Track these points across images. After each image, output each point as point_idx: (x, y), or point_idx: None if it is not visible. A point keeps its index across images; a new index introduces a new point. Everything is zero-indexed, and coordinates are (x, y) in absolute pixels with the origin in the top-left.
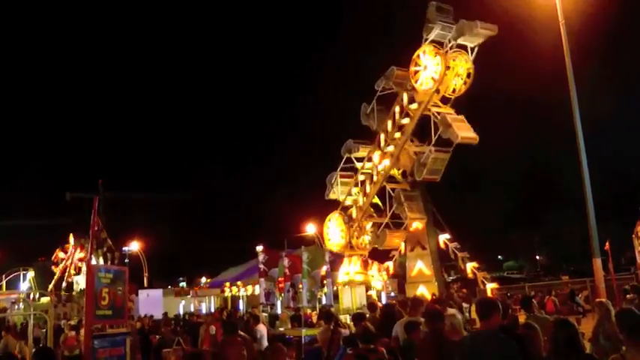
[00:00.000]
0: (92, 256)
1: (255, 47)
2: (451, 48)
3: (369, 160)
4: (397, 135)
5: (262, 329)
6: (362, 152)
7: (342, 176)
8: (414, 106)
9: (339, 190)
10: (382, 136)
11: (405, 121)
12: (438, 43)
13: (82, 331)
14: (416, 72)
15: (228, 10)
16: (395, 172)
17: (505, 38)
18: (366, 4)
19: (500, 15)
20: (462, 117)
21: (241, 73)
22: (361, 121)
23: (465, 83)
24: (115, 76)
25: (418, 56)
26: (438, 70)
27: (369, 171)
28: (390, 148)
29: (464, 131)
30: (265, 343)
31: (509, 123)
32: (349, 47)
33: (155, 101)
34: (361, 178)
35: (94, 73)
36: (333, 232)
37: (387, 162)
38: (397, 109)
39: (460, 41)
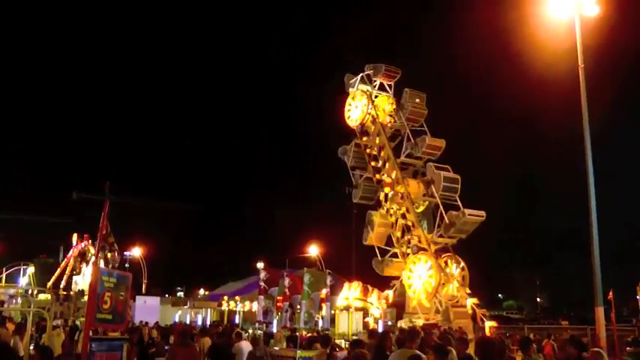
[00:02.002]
0: (98, 258)
1: (270, 67)
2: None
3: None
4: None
5: (244, 347)
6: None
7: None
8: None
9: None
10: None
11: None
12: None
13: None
14: (349, 110)
15: (244, 17)
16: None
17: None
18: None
19: (523, 53)
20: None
21: (257, 89)
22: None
23: (391, 115)
24: (135, 87)
25: (353, 98)
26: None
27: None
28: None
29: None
30: None
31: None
32: None
33: (171, 112)
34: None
35: (112, 78)
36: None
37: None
38: (372, 163)
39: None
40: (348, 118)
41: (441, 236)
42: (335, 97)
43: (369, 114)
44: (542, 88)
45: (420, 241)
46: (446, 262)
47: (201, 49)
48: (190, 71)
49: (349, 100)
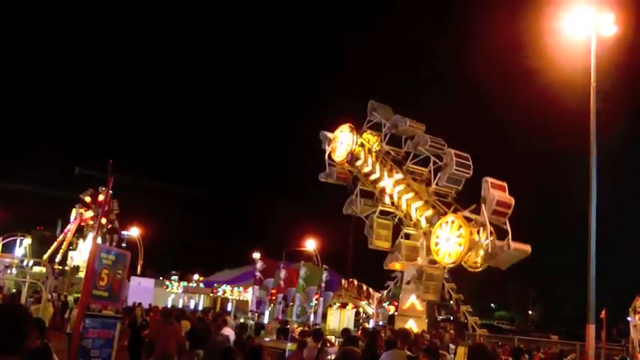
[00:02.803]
0: (98, 234)
1: (277, 57)
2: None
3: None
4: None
5: (226, 334)
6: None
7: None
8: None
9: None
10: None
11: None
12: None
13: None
14: (335, 146)
15: (251, 9)
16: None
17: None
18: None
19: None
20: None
21: (264, 79)
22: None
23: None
24: (143, 68)
25: (340, 132)
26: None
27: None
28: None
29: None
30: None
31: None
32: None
33: (178, 97)
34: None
35: (123, 57)
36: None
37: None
38: (371, 177)
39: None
40: (334, 154)
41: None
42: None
43: (356, 144)
44: (554, 104)
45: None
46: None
47: (209, 32)
48: (198, 57)
49: (335, 137)
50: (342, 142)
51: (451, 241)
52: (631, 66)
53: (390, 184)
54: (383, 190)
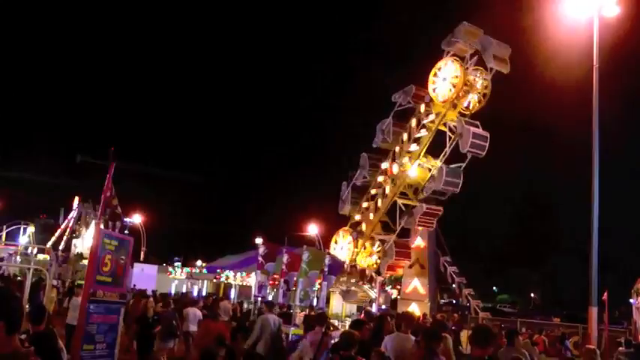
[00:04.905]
0: (101, 220)
1: (284, 45)
2: (472, 64)
3: (384, 173)
4: (413, 147)
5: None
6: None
7: (353, 189)
8: (431, 117)
9: (348, 207)
10: (397, 149)
11: (422, 133)
12: (459, 57)
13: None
14: (434, 82)
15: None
16: (407, 189)
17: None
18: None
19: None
20: (477, 123)
21: (268, 66)
22: (374, 144)
23: (479, 101)
24: (145, 55)
25: (439, 68)
26: (456, 81)
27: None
28: (405, 160)
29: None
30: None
31: (522, 153)
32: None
33: (179, 82)
34: (373, 192)
35: (125, 45)
36: (341, 247)
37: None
38: (414, 122)
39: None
40: (434, 90)
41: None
42: (342, 77)
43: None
44: (556, 87)
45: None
46: None
47: (211, 20)
48: (199, 42)
49: (441, 65)
50: (444, 77)
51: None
52: (634, 47)
53: None
54: None
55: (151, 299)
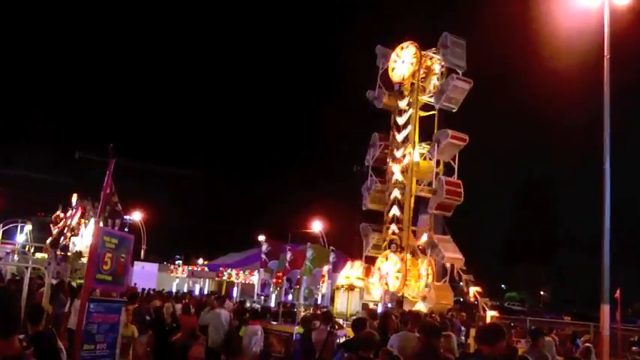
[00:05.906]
0: (100, 218)
1: (285, 39)
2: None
3: (391, 173)
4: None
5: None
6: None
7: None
8: (404, 106)
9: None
10: (395, 150)
11: (409, 129)
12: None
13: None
14: (394, 68)
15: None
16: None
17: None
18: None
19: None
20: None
21: (268, 62)
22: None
23: (438, 79)
24: (145, 50)
25: (402, 48)
26: (414, 60)
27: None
28: (400, 153)
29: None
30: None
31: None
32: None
33: (180, 77)
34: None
35: (125, 41)
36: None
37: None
38: (399, 121)
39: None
40: (392, 70)
41: None
42: (349, 71)
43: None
44: (567, 76)
45: None
46: None
47: (210, 15)
48: (200, 38)
49: (395, 52)
50: (403, 60)
51: None
52: None
53: None
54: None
55: (167, 302)
